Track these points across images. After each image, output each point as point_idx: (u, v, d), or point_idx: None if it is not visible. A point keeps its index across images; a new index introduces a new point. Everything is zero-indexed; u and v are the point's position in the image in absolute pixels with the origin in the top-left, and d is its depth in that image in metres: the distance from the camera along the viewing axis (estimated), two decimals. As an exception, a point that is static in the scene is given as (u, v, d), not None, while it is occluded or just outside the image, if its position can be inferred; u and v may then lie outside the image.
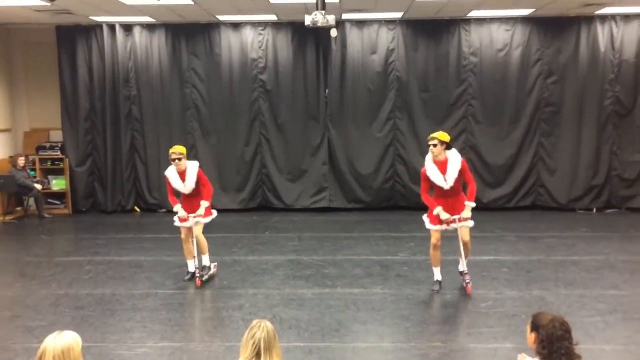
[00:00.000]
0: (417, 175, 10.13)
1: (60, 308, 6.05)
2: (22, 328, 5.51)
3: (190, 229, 6.75)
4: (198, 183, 6.70)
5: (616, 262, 7.39)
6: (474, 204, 6.17)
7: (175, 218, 6.84)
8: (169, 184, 6.72)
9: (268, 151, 10.96)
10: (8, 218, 10.51)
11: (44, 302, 6.21)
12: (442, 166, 6.05)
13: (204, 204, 6.67)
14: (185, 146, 7.33)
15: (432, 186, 6.17)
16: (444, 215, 6.06)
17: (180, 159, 6.61)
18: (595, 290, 6.37)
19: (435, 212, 6.10)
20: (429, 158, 6.12)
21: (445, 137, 6.06)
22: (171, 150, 6.70)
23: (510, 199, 10.76)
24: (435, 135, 6.09)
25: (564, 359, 2.86)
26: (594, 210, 10.61)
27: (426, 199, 6.21)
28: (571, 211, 10.59)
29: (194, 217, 6.67)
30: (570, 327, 2.95)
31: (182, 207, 6.71)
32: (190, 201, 6.73)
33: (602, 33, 10.30)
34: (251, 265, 7.52)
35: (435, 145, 6.01)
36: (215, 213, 6.99)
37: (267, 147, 10.95)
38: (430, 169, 6.06)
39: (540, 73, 10.50)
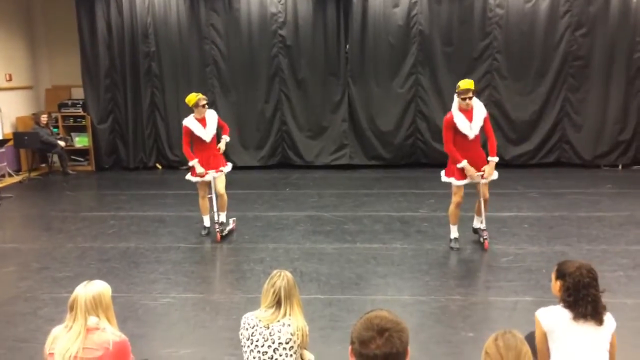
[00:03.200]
0: (438, 132, 9.95)
1: (86, 260, 6.20)
2: (50, 279, 5.67)
3: (207, 184, 6.79)
4: (218, 129, 6.73)
5: (641, 219, 7.28)
6: (497, 159, 6.07)
7: (188, 175, 6.85)
8: (187, 133, 6.66)
9: (288, 108, 10.89)
10: (33, 174, 10.70)
11: (70, 255, 6.36)
12: (468, 114, 5.92)
13: (225, 137, 6.84)
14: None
15: (454, 135, 5.99)
16: (470, 171, 5.94)
17: (207, 104, 6.68)
18: (618, 245, 6.30)
19: (460, 165, 5.94)
20: (455, 105, 5.95)
21: (473, 85, 5.93)
22: (197, 96, 6.64)
23: (533, 155, 10.59)
24: (469, 86, 5.87)
25: (590, 306, 2.82)
26: (620, 166, 10.40)
27: (451, 149, 5.96)
28: (596, 167, 10.39)
29: (216, 172, 6.71)
30: (597, 274, 2.90)
31: (200, 162, 6.70)
32: (208, 154, 6.73)
33: (634, -18, 9.87)
34: (271, 220, 7.57)
35: (471, 97, 5.85)
36: (230, 165, 7.05)
37: (286, 103, 10.88)
38: (458, 117, 5.89)
39: (569, 25, 10.14)
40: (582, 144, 10.48)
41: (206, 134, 6.68)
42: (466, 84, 5.90)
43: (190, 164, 6.73)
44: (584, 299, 2.82)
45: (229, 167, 6.99)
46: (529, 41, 10.23)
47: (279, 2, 10.54)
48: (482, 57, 10.38)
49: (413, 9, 10.35)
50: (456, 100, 5.94)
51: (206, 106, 6.66)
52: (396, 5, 10.37)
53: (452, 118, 5.91)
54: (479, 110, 5.96)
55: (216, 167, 6.74)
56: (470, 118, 5.91)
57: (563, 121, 10.50)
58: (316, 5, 10.52)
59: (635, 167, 10.36)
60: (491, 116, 10.19)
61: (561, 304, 2.91)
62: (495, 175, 6.12)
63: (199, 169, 6.65)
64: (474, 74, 10.36)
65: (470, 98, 5.85)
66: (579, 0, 10.05)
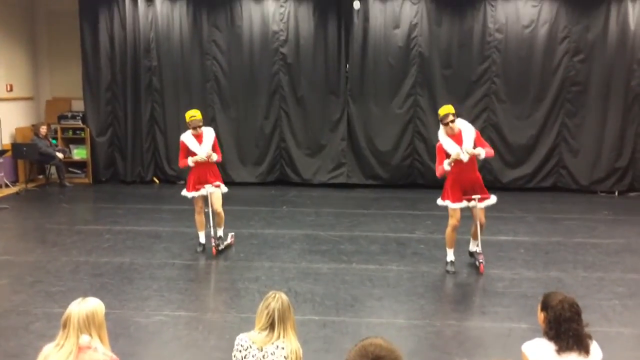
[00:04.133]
0: (436, 154, 10.02)
1: (80, 274, 6.16)
2: (43, 293, 5.63)
3: (203, 200, 6.79)
4: (213, 147, 6.74)
5: (637, 246, 7.28)
6: (483, 152, 5.91)
7: (184, 191, 6.89)
8: (183, 149, 6.73)
9: (287, 125, 10.93)
10: (30, 185, 10.67)
11: (64, 268, 6.32)
12: (457, 138, 5.96)
13: (214, 155, 6.70)
14: (205, 118, 7.35)
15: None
16: (455, 150, 5.80)
17: (200, 126, 6.68)
18: (614, 273, 6.29)
19: (452, 157, 5.82)
20: (441, 132, 6.00)
21: (453, 109, 5.96)
22: (190, 115, 6.67)
23: (530, 179, 10.63)
24: (447, 111, 5.93)
25: (571, 340, 2.83)
26: (616, 193, 10.44)
27: (438, 169, 5.98)
28: (592, 193, 10.43)
29: (213, 185, 6.72)
30: (579, 309, 2.90)
31: (193, 177, 6.74)
32: (203, 170, 6.74)
33: (632, 11, 10.00)
34: (268, 238, 7.55)
35: (453, 121, 5.91)
36: (225, 188, 7.00)
37: (286, 120, 10.92)
38: (446, 143, 5.94)
39: (567, 51, 10.25)
40: (578, 170, 10.52)
41: (201, 150, 6.69)
42: (444, 109, 5.99)
43: (189, 162, 6.66)
44: (565, 333, 2.83)
45: (224, 188, 6.96)
46: (527, 66, 10.32)
47: (281, 20, 10.64)
48: (480, 80, 10.47)
49: (413, 31, 10.45)
50: (442, 128, 5.99)
51: (198, 129, 6.66)
52: (397, 27, 10.47)
53: (441, 145, 5.96)
54: (467, 131, 5.99)
55: (211, 183, 6.74)
56: (459, 142, 5.94)
57: (560, 146, 10.56)
58: (317, 24, 10.61)
59: (632, 194, 10.40)
60: (488, 139, 10.37)
61: (545, 336, 2.92)
62: (493, 200, 6.14)
63: (198, 157, 6.61)
64: (472, 97, 10.47)
65: (452, 121, 5.90)
66: (577, 27, 10.17)
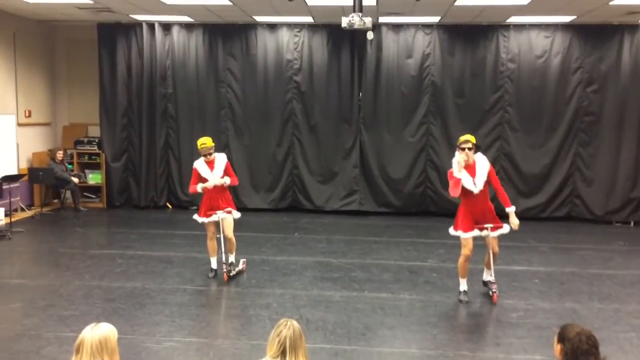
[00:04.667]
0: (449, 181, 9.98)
1: (92, 299, 6.17)
2: (55, 317, 5.64)
3: (215, 226, 6.81)
4: (225, 175, 6.76)
5: (654, 278, 7.17)
6: (514, 208, 6.09)
7: (195, 216, 6.93)
8: (195, 175, 6.78)
9: (300, 152, 11.00)
10: (45, 209, 10.78)
11: (77, 293, 6.34)
12: (470, 169, 5.96)
13: (226, 179, 6.71)
14: (218, 145, 7.41)
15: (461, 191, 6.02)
16: (461, 162, 5.83)
17: (211, 153, 6.72)
18: (630, 305, 6.18)
19: (460, 163, 5.83)
20: (455, 160, 5.99)
21: (474, 140, 6.04)
22: (201, 143, 6.73)
23: (544, 208, 10.55)
24: (468, 138, 6.01)
25: None
26: (632, 223, 10.32)
27: (452, 182, 5.94)
28: (607, 223, 10.32)
29: (225, 211, 6.73)
30: (597, 342, 2.85)
31: (205, 203, 6.79)
32: (215, 196, 6.77)
33: (645, 42, 10.04)
34: (279, 265, 7.54)
35: (470, 149, 5.92)
36: (239, 213, 7.00)
37: (299, 148, 10.99)
38: (457, 170, 5.94)
39: (580, 81, 10.28)
40: (593, 199, 10.44)
41: (212, 177, 6.75)
42: (465, 136, 6.06)
43: (198, 188, 6.71)
44: None
45: (237, 214, 6.97)
46: (541, 95, 10.35)
47: (295, 49, 10.80)
48: (493, 109, 10.50)
49: (426, 61, 10.55)
50: (457, 155, 5.98)
51: (208, 156, 6.72)
52: (409, 57, 10.58)
53: (452, 172, 5.95)
54: (482, 164, 5.99)
55: (223, 209, 6.77)
56: (472, 173, 5.95)
57: (574, 175, 10.50)
58: (331, 53, 10.76)
59: (647, 224, 10.28)
60: (501, 168, 10.37)
61: None
62: (505, 229, 6.10)
63: (207, 183, 6.65)
64: (485, 126, 10.49)
65: (469, 149, 5.91)
66: (590, 58, 10.21)
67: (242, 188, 10.97)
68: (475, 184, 5.93)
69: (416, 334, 5.42)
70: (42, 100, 11.48)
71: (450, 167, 6.06)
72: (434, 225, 9.86)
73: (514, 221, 6.02)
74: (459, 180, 5.88)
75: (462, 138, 6.04)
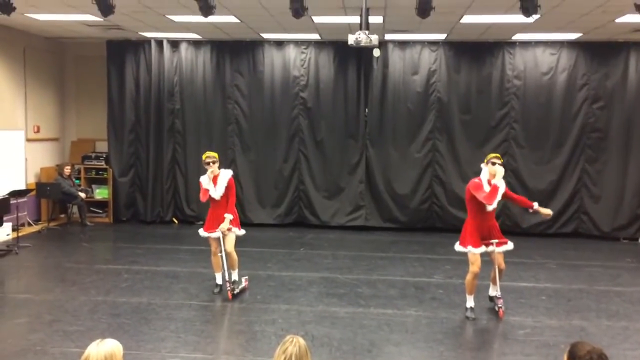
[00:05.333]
0: (455, 197, 10.02)
1: (98, 314, 6.17)
2: (61, 332, 5.64)
3: (218, 241, 6.82)
4: (227, 191, 6.77)
5: (662, 295, 7.10)
6: (536, 203, 6.20)
7: (200, 230, 6.95)
8: (202, 188, 6.82)
9: (306, 168, 11.02)
10: (52, 224, 10.83)
11: (83, 308, 6.34)
12: (492, 187, 5.99)
13: (228, 216, 6.71)
14: (225, 160, 7.44)
15: (472, 204, 6.04)
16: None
17: (214, 162, 6.73)
18: (639, 322, 6.12)
19: (497, 174, 5.88)
20: (484, 175, 6.00)
21: (501, 159, 6.13)
22: (205, 155, 6.82)
23: (551, 225, 10.49)
24: (496, 155, 6.08)
25: None
26: (639, 239, 10.25)
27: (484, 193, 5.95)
28: (615, 240, 10.26)
29: (226, 229, 6.73)
30: None
31: (209, 218, 6.83)
32: (219, 211, 6.77)
33: (651, 58, 10.05)
34: (285, 280, 7.52)
35: (500, 164, 5.96)
36: (243, 230, 6.99)
37: (305, 163, 11.02)
38: (485, 186, 5.97)
39: (586, 98, 10.29)
40: (600, 216, 10.39)
41: (215, 192, 6.77)
42: (493, 154, 6.18)
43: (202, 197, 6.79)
44: None
45: (241, 231, 6.95)
46: (547, 112, 10.36)
47: (302, 66, 10.88)
48: (499, 125, 10.52)
49: (432, 77, 10.60)
50: (485, 170, 6.01)
51: (211, 165, 6.73)
52: (415, 73, 10.64)
53: (476, 184, 5.98)
54: (501, 185, 6.00)
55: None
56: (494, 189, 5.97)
57: (581, 192, 10.46)
58: (337, 70, 10.83)
59: (656, 241, 10.20)
60: (508, 184, 10.17)
61: None
62: (510, 246, 6.13)
63: (208, 187, 6.70)
64: (491, 142, 10.50)
65: (499, 164, 5.97)
66: (596, 75, 10.23)
67: (249, 203, 11.00)
68: (493, 202, 5.97)
69: (422, 350, 5.38)
70: (50, 115, 11.59)
71: (458, 186, 6.11)
72: (440, 241, 9.82)
73: (546, 211, 6.21)
74: (497, 187, 5.88)
75: (492, 155, 6.13)
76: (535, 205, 6.16)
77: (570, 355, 2.93)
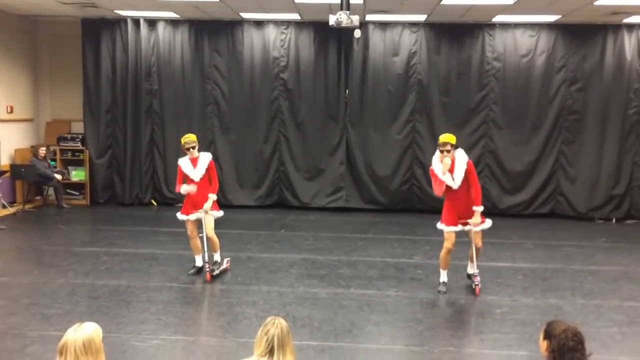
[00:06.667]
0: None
1: (76, 297, 6.11)
2: (39, 315, 5.58)
3: (195, 224, 6.77)
4: (207, 173, 6.73)
5: (635, 274, 7.28)
6: (481, 208, 6.15)
7: (178, 213, 6.90)
8: (180, 172, 6.76)
9: (286, 149, 10.98)
10: (27, 207, 10.65)
11: (61, 291, 6.28)
12: (450, 166, 6.08)
13: (212, 196, 6.68)
14: (204, 142, 7.38)
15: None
16: (443, 167, 6.02)
17: (194, 147, 6.69)
18: (612, 300, 6.27)
19: (443, 167, 6.00)
20: (436, 157, 6.17)
21: (454, 139, 6.15)
22: (184, 139, 6.77)
23: (528, 205, 10.65)
24: (447, 139, 6.10)
25: None
26: (614, 220, 10.47)
27: (437, 183, 6.13)
28: (590, 220, 10.46)
29: (202, 211, 6.67)
30: (583, 338, 2.89)
31: (187, 201, 6.77)
32: (196, 194, 6.69)
33: (628, 41, 10.17)
34: (265, 262, 7.53)
35: (448, 151, 6.06)
36: (221, 212, 6.94)
37: (285, 145, 10.98)
38: (438, 169, 6.12)
39: (564, 80, 10.38)
40: (576, 197, 10.56)
41: (194, 174, 6.71)
42: (444, 137, 6.17)
43: (182, 190, 6.66)
44: None
45: (219, 213, 6.90)
46: (525, 94, 10.44)
47: (282, 46, 10.77)
48: (478, 107, 10.58)
49: (412, 59, 10.59)
50: (437, 153, 6.16)
51: (191, 150, 6.69)
52: (396, 55, 10.61)
53: (433, 170, 6.16)
54: (461, 161, 6.12)
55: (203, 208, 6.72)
56: (451, 170, 6.10)
57: (557, 173, 10.62)
58: (318, 51, 10.75)
59: (629, 221, 10.43)
60: (486, 165, 10.47)
61: None
62: (488, 223, 6.23)
63: (188, 188, 6.59)
64: (470, 124, 10.56)
65: (447, 151, 6.05)
66: (574, 57, 10.32)
67: (228, 185, 10.94)
68: (454, 180, 6.09)
69: (402, 330, 5.45)
70: (24, 96, 11.33)
71: (431, 164, 6.18)
72: (419, 222, 9.91)
73: (475, 220, 6.10)
74: (442, 182, 6.08)
75: (442, 139, 6.15)
76: (477, 208, 6.06)
77: (547, 334, 3.00)
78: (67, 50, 11.42)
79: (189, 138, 6.77)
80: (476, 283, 6.31)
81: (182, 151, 7.00)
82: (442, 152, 6.07)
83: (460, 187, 6.12)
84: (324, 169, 10.98)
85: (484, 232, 6.32)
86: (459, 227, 6.21)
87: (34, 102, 11.62)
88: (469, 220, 6.16)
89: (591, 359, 2.91)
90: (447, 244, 6.23)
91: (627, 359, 4.90)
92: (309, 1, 8.77)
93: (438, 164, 6.13)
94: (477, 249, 6.30)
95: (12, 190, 10.90)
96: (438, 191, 6.15)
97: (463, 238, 6.49)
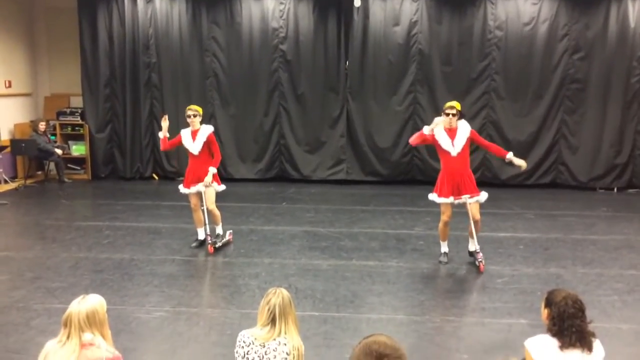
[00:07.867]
0: (435, 150, 10.05)
1: (80, 270, 6.16)
2: (43, 289, 5.62)
3: (198, 197, 6.78)
4: (208, 146, 6.70)
5: (636, 242, 7.30)
6: (511, 153, 6.20)
7: (180, 186, 6.91)
8: (177, 138, 6.79)
9: (286, 122, 10.92)
10: (29, 182, 10.66)
11: (64, 265, 6.32)
12: (451, 133, 6.05)
13: (212, 169, 6.68)
14: (204, 114, 7.34)
15: (439, 153, 6.16)
16: (434, 123, 6.04)
17: (195, 116, 6.64)
18: (613, 269, 6.31)
19: (433, 123, 6.03)
20: (438, 120, 6.07)
21: (459, 106, 6.13)
22: (188, 108, 6.76)
23: (529, 176, 10.62)
24: (454, 104, 6.08)
25: (575, 336, 2.84)
26: (615, 189, 10.46)
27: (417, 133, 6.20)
28: (591, 190, 10.45)
29: (203, 185, 6.68)
30: (583, 305, 2.92)
31: (188, 171, 6.79)
32: (197, 167, 6.71)
33: (632, 8, 10.01)
34: (267, 234, 7.56)
35: (454, 115, 6.00)
36: (223, 186, 6.95)
37: (285, 117, 10.91)
38: (440, 133, 6.05)
39: (567, 48, 10.26)
40: (578, 166, 10.54)
41: (193, 146, 6.69)
42: (451, 103, 6.17)
43: (160, 134, 6.86)
44: (568, 329, 2.85)
45: (221, 186, 6.90)
46: (527, 63, 10.33)
47: (281, 17, 10.62)
48: (480, 77, 10.47)
49: (413, 29, 10.45)
50: (441, 117, 6.09)
51: (193, 117, 6.64)
52: (396, 24, 10.47)
53: (429, 132, 6.06)
54: (463, 129, 6.08)
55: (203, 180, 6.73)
56: (453, 136, 6.04)
57: (559, 143, 10.57)
58: (317, 21, 10.60)
59: (631, 190, 10.42)
60: (488, 135, 10.41)
61: (548, 333, 2.93)
62: (484, 196, 6.17)
63: (164, 128, 6.76)
64: (472, 94, 10.47)
65: (453, 115, 5.99)
66: (577, 25, 10.17)
67: (229, 158, 10.91)
68: (454, 146, 6.02)
69: (403, 300, 5.50)
70: (22, 70, 11.23)
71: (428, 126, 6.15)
72: (420, 194, 9.82)
73: (520, 162, 6.16)
74: (422, 134, 6.08)
75: (448, 104, 6.15)
76: (510, 155, 6.15)
77: (547, 302, 3.02)
78: (63, 24, 11.28)
79: (192, 106, 6.76)
80: (480, 260, 6.24)
81: (183, 124, 6.97)
82: (447, 115, 5.99)
83: (459, 156, 6.02)
84: (324, 142, 10.93)
85: (485, 203, 6.30)
86: (452, 199, 6.10)
87: (32, 76, 11.53)
88: (517, 164, 6.14)
89: (592, 327, 2.94)
90: (444, 217, 6.23)
91: (627, 326, 4.95)
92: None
93: (441, 130, 6.03)
94: (476, 222, 6.20)
95: (13, 166, 10.90)
96: (413, 141, 6.21)
97: (461, 209, 6.48)
